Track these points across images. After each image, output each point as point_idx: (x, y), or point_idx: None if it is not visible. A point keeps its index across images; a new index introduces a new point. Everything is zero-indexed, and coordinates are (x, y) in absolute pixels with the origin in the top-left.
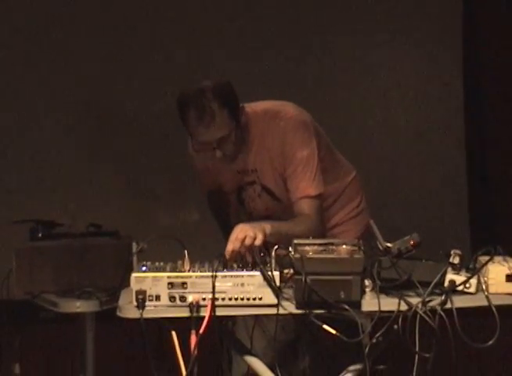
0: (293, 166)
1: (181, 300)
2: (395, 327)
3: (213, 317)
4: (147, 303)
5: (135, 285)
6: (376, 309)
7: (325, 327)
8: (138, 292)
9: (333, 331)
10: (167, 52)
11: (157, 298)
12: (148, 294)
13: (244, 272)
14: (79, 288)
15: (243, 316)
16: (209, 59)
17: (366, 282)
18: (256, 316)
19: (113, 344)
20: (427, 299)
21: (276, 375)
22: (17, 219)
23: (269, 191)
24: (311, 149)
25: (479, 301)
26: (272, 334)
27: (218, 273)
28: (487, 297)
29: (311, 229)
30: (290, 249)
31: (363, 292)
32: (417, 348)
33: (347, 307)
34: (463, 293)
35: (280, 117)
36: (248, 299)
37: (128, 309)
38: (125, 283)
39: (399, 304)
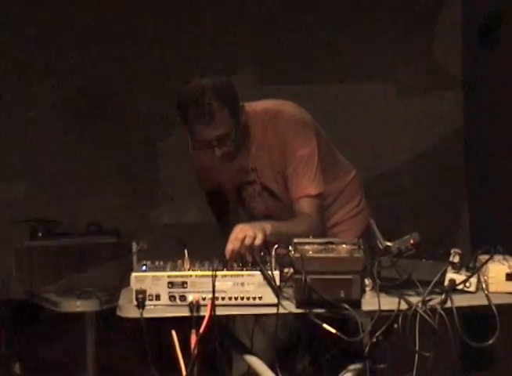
0: (293, 165)
1: (181, 299)
2: (395, 326)
3: (213, 317)
4: (147, 302)
5: (135, 284)
6: (376, 308)
7: (325, 326)
8: (138, 291)
9: (333, 330)
10: (167, 52)
11: (157, 297)
12: (148, 293)
13: (244, 272)
14: (79, 288)
15: (243, 316)
16: (209, 59)
17: (366, 281)
18: (256, 315)
19: (113, 343)
20: (427, 298)
21: (276, 375)
22: (17, 219)
23: (269, 190)
24: (311, 148)
25: (479, 300)
26: (272, 334)
27: (218, 273)
28: (487, 296)
29: (311, 229)
30: (290, 248)
31: (363, 291)
32: (417, 347)
33: (347, 306)
34: (463, 292)
35: (280, 117)
36: (248, 299)
37: (128, 309)
38: (125, 282)
39: (399, 303)
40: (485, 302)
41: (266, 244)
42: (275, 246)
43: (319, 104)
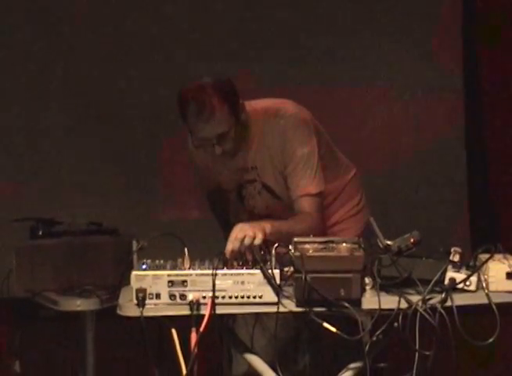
0: (293, 164)
1: (181, 298)
2: (395, 324)
3: (213, 315)
4: (147, 301)
5: (135, 283)
6: (377, 306)
7: (325, 324)
8: (139, 290)
9: (334, 329)
10: (167, 52)
11: (157, 296)
12: (148, 292)
13: (244, 271)
14: (79, 286)
15: (244, 314)
16: (209, 59)
17: (366, 280)
18: (256, 314)
19: (113, 342)
20: (428, 297)
21: (276, 373)
22: (17, 218)
23: (269, 189)
24: (311, 147)
25: (479, 298)
26: (272, 332)
27: (218, 271)
28: (487, 295)
29: (311, 228)
30: (290, 247)
31: (363, 290)
32: (417, 346)
33: (347, 305)
34: (463, 291)
35: (280, 115)
36: (248, 297)
37: (128, 307)
38: (125, 281)
39: (399, 302)
40: (486, 301)
41: (266, 243)
42: (276, 245)
43: (318, 104)
